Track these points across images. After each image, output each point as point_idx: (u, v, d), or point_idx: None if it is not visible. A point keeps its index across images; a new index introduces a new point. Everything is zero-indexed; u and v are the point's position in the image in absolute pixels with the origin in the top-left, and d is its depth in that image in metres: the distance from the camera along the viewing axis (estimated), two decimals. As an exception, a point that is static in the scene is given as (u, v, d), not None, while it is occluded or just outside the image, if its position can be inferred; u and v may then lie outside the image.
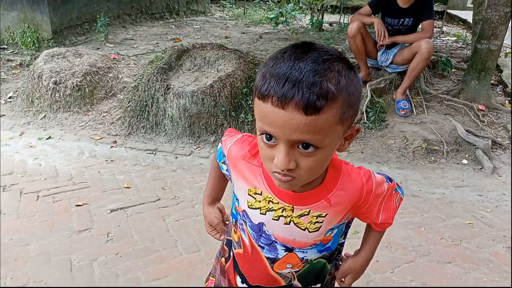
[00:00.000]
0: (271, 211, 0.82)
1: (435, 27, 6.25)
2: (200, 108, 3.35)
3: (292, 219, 0.81)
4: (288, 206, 0.80)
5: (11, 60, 4.69)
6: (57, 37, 4.90)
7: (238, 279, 0.95)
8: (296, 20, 6.50)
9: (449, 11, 7.05)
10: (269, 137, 0.66)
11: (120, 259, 1.94)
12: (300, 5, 6.76)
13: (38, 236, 2.06)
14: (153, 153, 3.14)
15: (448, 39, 5.77)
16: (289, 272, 0.89)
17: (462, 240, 2.23)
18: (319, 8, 6.32)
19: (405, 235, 2.25)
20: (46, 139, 3.30)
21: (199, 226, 2.21)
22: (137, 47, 4.86)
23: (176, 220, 2.26)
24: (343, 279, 1.00)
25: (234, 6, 8.39)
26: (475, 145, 3.21)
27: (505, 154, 3.28)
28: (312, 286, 0.94)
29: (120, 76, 4.03)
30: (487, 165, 3.06)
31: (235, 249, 0.95)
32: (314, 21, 5.97)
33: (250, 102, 3.41)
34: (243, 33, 5.89)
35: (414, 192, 2.75)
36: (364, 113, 3.52)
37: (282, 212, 0.81)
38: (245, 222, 0.88)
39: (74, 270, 1.85)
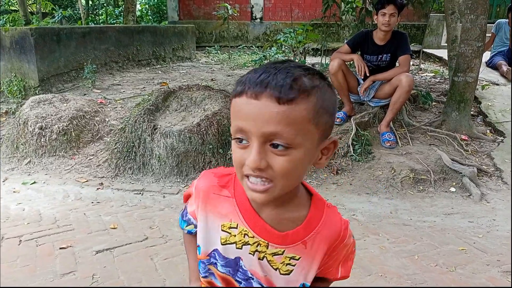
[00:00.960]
0: (247, 245, 0.78)
1: (413, 64, 6.52)
2: (187, 146, 3.35)
3: (265, 255, 0.78)
4: (263, 241, 0.77)
5: (-3, 109, 4.68)
6: (44, 84, 4.94)
7: None
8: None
9: (425, 50, 7.39)
10: (241, 139, 0.66)
11: (105, 301, 1.85)
12: (283, 48, 7.02)
13: (20, 281, 1.96)
14: (140, 193, 3.09)
15: (426, 75, 6.00)
16: None
17: (457, 267, 2.19)
18: (301, 51, 6.57)
19: (399, 264, 2.21)
20: (31, 184, 3.23)
21: (188, 263, 2.14)
22: (124, 91, 4.92)
23: (165, 259, 2.19)
24: None
25: (219, 52, 8.67)
26: (461, 173, 3.25)
27: (491, 181, 3.32)
28: None
29: (107, 120, 4.04)
30: (475, 192, 3.08)
31: None
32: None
33: (237, 139, 3.43)
34: (229, 75, 6.03)
35: (405, 221, 2.74)
36: (350, 146, 3.56)
37: (257, 246, 0.77)
38: (216, 264, 0.83)
39: (56, 315, 1.75)
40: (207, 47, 9.06)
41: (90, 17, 9.77)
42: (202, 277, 0.87)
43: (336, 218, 0.80)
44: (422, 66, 6.68)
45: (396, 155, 3.52)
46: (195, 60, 7.88)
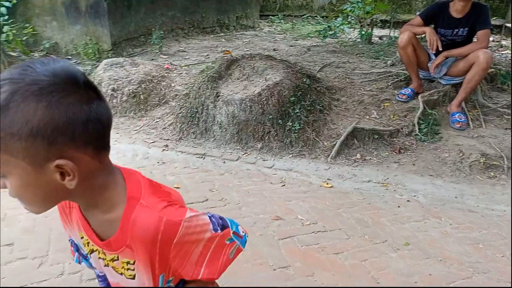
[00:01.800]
0: (93, 252, 0.78)
1: (493, 40, 5.99)
2: (248, 115, 3.40)
3: (108, 262, 0.76)
4: (99, 248, 0.75)
5: (74, 70, 5.02)
6: (116, 48, 5.19)
7: None
8: (344, 33, 6.48)
9: (507, 24, 6.73)
10: None
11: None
12: (349, 19, 6.74)
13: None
14: (202, 157, 3.22)
15: (507, 53, 5.49)
16: None
17: (526, 259, 2.07)
18: (368, 22, 6.26)
19: (461, 250, 2.13)
20: (103, 141, 3.48)
21: (246, 227, 2.21)
22: (189, 58, 5.04)
23: (223, 221, 2.29)
24: None
25: (282, 21, 8.52)
26: (539, 161, 3.00)
27: None
28: None
29: (172, 85, 4.19)
30: (553, 183, 2.84)
31: None
32: (363, 33, 5.92)
33: (298, 110, 3.42)
34: (291, 46, 5.94)
35: (471, 207, 2.61)
36: (416, 124, 3.40)
37: (99, 254, 0.76)
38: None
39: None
40: (270, 16, 8.93)
41: (158, -17, 9.98)
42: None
43: (148, 216, 0.68)
44: (503, 42, 6.11)
45: (466, 137, 3.32)
46: (258, 29, 7.82)
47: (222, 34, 6.88)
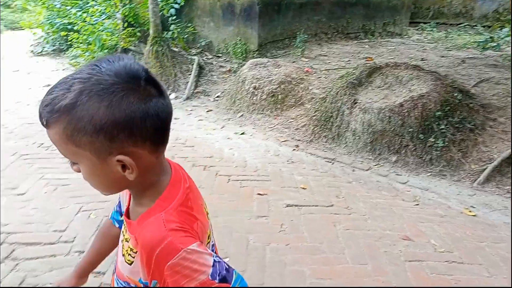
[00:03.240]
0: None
1: None
2: (385, 125, 3.24)
3: (124, 239, 0.80)
4: (126, 226, 0.80)
5: (223, 66, 5.49)
6: (261, 49, 5.51)
7: None
8: (510, 46, 5.66)
9: None
10: None
11: (289, 250, 2.02)
12: (518, 30, 5.85)
13: (225, 212, 2.34)
14: (331, 162, 3.19)
15: None
16: None
17: None
18: (544, 34, 5.34)
19: None
20: (240, 134, 3.73)
21: (370, 240, 2.12)
22: (329, 63, 5.05)
23: (346, 229, 2.23)
24: None
25: (434, 29, 7.88)
26: None
27: None
28: None
29: (310, 88, 4.25)
30: None
31: None
32: (535, 47, 5.08)
33: (443, 127, 3.12)
34: (442, 56, 5.45)
35: None
36: None
37: (124, 227, 0.81)
38: None
39: (250, 249, 2.02)
40: (421, 24, 8.35)
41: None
42: None
43: (157, 229, 0.69)
44: None
45: None
46: (406, 36, 7.39)
47: (366, 40, 6.71)
